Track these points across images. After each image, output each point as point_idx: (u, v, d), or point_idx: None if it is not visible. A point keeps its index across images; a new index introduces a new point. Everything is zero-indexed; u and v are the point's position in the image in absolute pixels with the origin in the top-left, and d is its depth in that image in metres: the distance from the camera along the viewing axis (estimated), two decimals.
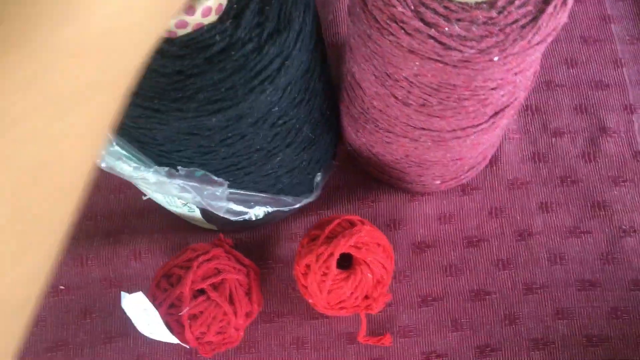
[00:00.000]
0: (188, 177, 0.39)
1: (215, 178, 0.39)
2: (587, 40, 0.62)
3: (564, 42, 0.62)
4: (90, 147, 0.21)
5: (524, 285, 0.56)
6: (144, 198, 0.48)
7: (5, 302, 0.20)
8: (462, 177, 0.55)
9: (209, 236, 0.55)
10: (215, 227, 0.55)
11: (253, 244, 0.57)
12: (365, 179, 0.59)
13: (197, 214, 0.49)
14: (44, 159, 0.19)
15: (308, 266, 0.49)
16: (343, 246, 0.48)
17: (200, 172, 0.39)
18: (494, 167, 0.59)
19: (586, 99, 0.61)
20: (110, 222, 0.58)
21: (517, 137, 0.60)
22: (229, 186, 0.40)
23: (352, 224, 0.50)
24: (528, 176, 0.59)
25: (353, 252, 0.49)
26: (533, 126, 0.60)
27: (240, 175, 0.41)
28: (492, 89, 0.40)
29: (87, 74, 0.19)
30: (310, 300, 0.51)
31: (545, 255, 0.56)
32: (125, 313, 0.48)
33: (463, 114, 0.42)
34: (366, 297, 0.51)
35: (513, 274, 0.56)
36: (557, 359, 0.53)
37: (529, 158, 0.59)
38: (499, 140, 0.56)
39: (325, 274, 0.48)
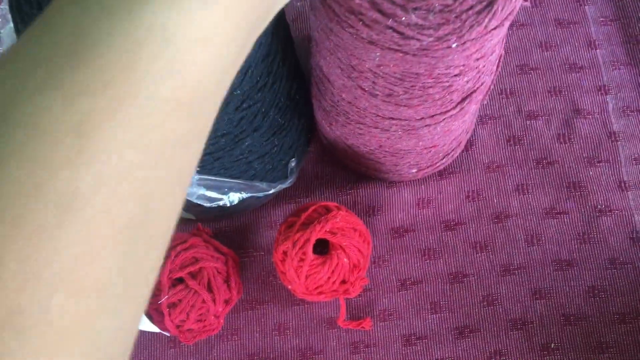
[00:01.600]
0: None
1: None
2: (562, 23, 0.63)
3: (538, 25, 0.63)
4: (178, 198, 0.22)
5: (501, 266, 0.56)
6: None
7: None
8: (438, 164, 0.55)
9: (188, 226, 0.56)
10: (193, 216, 0.55)
11: (232, 232, 0.58)
12: (342, 169, 0.59)
13: None
14: (142, 215, 0.20)
15: (285, 252, 0.50)
16: (318, 232, 0.49)
17: None
18: (470, 151, 0.59)
19: (560, 81, 0.61)
20: None
21: (491, 121, 0.60)
22: (200, 172, 0.41)
23: (328, 210, 0.51)
24: (504, 159, 0.59)
25: (329, 237, 0.49)
26: (508, 110, 0.61)
27: (209, 161, 0.42)
28: (455, 75, 0.40)
29: (181, 126, 0.21)
30: (289, 286, 0.52)
31: (522, 237, 0.57)
32: None
33: (429, 101, 0.42)
34: (343, 281, 0.51)
35: (490, 256, 0.56)
36: (535, 338, 0.54)
37: (504, 141, 0.60)
38: (473, 125, 0.57)
39: (302, 260, 0.49)
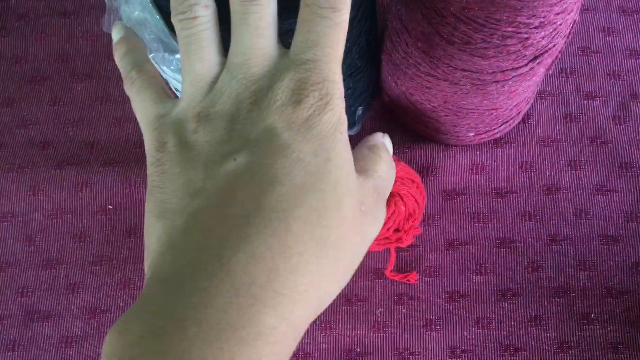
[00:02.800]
0: None
1: None
2: (625, 11, 0.64)
3: (602, 11, 0.65)
4: None
5: (548, 236, 0.58)
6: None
7: None
8: (496, 130, 0.57)
9: None
10: None
11: None
12: (400, 130, 0.62)
13: None
14: None
15: None
16: None
17: None
18: (527, 124, 0.61)
19: (620, 66, 0.63)
20: None
21: (550, 97, 0.62)
22: None
23: None
24: (559, 135, 0.61)
25: None
26: (566, 88, 0.62)
27: None
28: (534, 27, 0.42)
29: None
30: None
31: (571, 210, 0.58)
32: None
33: (504, 54, 0.44)
34: (397, 230, 0.53)
35: (539, 225, 0.58)
36: (576, 307, 0.56)
37: (561, 118, 0.61)
38: (533, 97, 0.59)
39: None
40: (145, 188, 0.60)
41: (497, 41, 0.42)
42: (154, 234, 0.30)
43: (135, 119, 0.64)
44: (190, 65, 0.32)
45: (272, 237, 0.27)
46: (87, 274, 0.59)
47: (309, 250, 0.28)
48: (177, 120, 0.31)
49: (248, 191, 0.27)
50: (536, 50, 0.44)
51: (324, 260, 0.28)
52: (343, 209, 0.29)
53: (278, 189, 0.27)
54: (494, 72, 0.45)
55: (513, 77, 0.46)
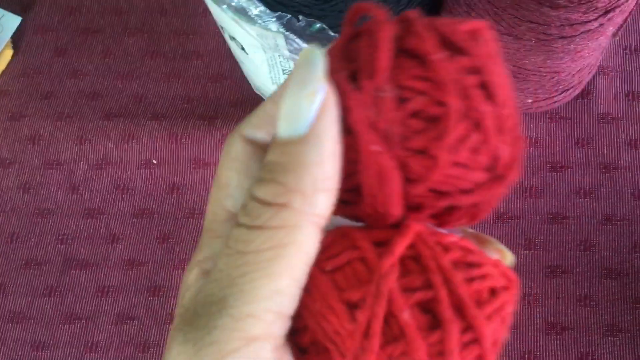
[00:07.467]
0: (305, 30, 0.41)
1: (332, 33, 0.41)
2: None
3: None
4: None
5: (603, 215, 0.55)
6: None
7: None
8: (555, 98, 0.55)
9: None
10: None
11: None
12: None
13: None
14: None
15: None
16: None
17: (317, 25, 0.41)
18: (585, 100, 0.59)
19: None
20: (205, 106, 0.61)
21: (612, 74, 0.59)
22: None
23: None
24: (620, 113, 0.58)
25: None
26: (631, 65, 0.60)
27: None
28: None
29: None
30: None
31: (629, 190, 0.56)
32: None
33: (576, 3, 0.42)
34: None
35: (594, 203, 0.56)
36: (628, 290, 0.53)
37: (623, 95, 0.59)
38: (597, 64, 0.56)
39: None
40: (190, 143, 0.60)
41: None
42: None
43: (184, 74, 0.64)
44: None
45: None
46: (127, 226, 0.59)
47: None
48: None
49: None
50: (609, 3, 0.42)
51: None
52: None
53: None
54: (561, 24, 0.43)
55: (581, 33, 0.44)
